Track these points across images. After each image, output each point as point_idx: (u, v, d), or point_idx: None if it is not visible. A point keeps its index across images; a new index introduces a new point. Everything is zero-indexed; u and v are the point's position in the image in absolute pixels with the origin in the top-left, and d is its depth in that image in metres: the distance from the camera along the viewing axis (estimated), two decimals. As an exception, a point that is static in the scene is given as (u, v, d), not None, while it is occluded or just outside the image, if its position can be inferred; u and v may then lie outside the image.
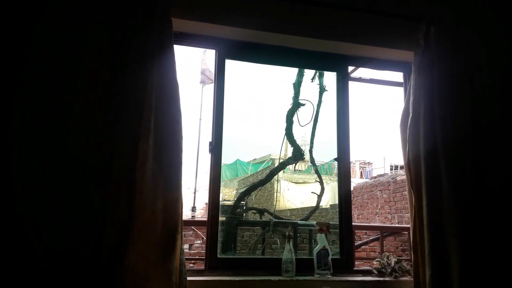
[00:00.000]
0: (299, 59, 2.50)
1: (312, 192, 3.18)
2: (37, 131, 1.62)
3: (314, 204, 3.21)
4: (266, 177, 3.02)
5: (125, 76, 1.72)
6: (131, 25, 1.78)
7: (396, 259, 2.29)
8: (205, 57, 11.41)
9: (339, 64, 2.51)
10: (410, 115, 2.15)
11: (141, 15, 1.80)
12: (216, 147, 2.18)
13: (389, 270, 2.24)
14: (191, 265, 4.10)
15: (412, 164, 2.11)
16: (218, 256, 2.11)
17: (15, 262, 1.51)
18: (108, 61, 1.73)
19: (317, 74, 2.85)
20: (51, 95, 1.66)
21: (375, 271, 2.27)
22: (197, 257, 5.12)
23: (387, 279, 2.19)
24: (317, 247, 2.18)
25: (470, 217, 1.94)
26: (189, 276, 1.93)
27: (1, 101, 1.58)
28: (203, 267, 2.10)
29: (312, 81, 2.88)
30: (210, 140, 2.20)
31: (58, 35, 1.70)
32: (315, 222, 2.39)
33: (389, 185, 9.78)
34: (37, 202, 1.56)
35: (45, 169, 1.60)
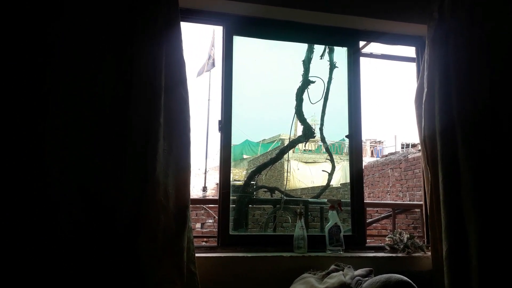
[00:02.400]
0: (308, 34, 2.45)
1: (323, 171, 3.16)
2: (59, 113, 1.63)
3: (324, 183, 3.20)
4: (277, 155, 3.00)
5: (134, 54, 1.70)
6: (138, 1, 1.75)
7: (408, 235, 2.28)
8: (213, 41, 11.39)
9: (349, 39, 2.45)
10: (425, 90, 2.10)
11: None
12: (225, 125, 2.17)
13: (402, 246, 2.23)
14: (203, 243, 4.16)
15: (427, 140, 2.08)
16: (231, 233, 2.13)
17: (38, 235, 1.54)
18: (116, 39, 1.72)
19: (327, 50, 2.79)
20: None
21: (387, 248, 2.27)
22: (209, 235, 5.20)
23: (399, 255, 2.19)
24: (328, 224, 2.18)
25: (488, 192, 1.90)
26: (202, 252, 1.96)
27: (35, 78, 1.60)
28: (215, 244, 2.13)
29: (322, 58, 2.83)
30: (220, 119, 2.19)
31: (78, 16, 1.70)
32: (327, 199, 2.38)
33: (401, 163, 9.73)
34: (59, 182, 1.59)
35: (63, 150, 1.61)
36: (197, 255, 1.80)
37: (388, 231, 6.33)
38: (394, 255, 2.19)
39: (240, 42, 2.30)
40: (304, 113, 2.86)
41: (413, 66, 2.61)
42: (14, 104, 1.57)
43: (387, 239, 2.35)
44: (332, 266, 1.90)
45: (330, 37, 2.49)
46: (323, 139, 3.02)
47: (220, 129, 2.18)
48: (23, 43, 1.61)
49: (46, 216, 1.55)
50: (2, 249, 1.49)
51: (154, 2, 1.76)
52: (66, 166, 1.60)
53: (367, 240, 2.38)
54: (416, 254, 2.20)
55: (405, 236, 2.28)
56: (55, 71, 1.63)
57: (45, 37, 1.63)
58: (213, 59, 11.81)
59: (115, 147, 1.65)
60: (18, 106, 1.57)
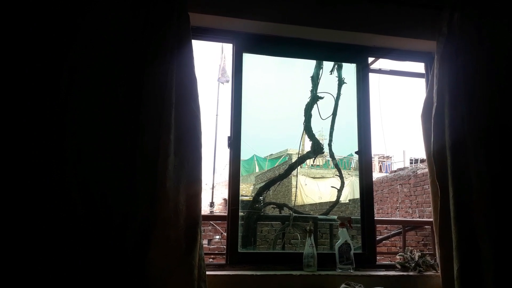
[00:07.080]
0: (317, 51, 2.47)
1: (332, 187, 3.14)
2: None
3: (332, 199, 3.17)
4: (285, 171, 3.00)
5: (145, 72, 1.72)
6: (150, 21, 1.78)
7: (420, 254, 2.24)
8: (224, 55, 11.40)
9: (358, 55, 2.46)
10: (435, 104, 2.08)
11: (160, 11, 1.80)
12: (235, 141, 2.17)
13: (413, 264, 2.19)
14: (211, 260, 4.11)
15: (436, 155, 2.05)
16: (239, 250, 2.11)
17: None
18: (127, 58, 1.74)
19: (336, 66, 2.80)
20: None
21: (398, 266, 2.23)
22: (216, 252, 5.14)
23: (411, 273, 2.15)
24: (338, 242, 2.15)
25: (502, 207, 1.87)
26: (210, 270, 1.94)
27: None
28: (223, 262, 2.11)
29: (331, 74, 2.84)
30: (229, 135, 2.19)
31: (95, 42, 1.74)
32: (337, 216, 2.35)
33: (410, 179, 9.62)
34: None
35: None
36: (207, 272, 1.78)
37: (398, 248, 6.22)
38: (405, 273, 2.15)
39: (249, 59, 2.32)
40: (312, 129, 2.85)
41: (422, 81, 2.60)
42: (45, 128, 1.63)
43: (398, 257, 2.31)
44: (343, 285, 1.87)
45: (339, 53, 2.50)
46: (332, 155, 3.01)
47: (230, 145, 2.18)
48: (48, 72, 1.67)
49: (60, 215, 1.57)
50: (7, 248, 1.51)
51: (165, 23, 1.78)
52: (83, 181, 1.62)
53: (377, 258, 2.34)
54: (428, 273, 2.15)
55: (416, 254, 2.24)
56: (76, 96, 1.67)
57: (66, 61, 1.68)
58: (223, 69, 11.71)
59: (127, 162, 1.66)
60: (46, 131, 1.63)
